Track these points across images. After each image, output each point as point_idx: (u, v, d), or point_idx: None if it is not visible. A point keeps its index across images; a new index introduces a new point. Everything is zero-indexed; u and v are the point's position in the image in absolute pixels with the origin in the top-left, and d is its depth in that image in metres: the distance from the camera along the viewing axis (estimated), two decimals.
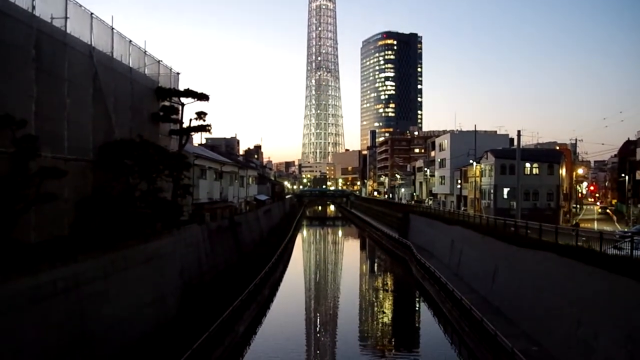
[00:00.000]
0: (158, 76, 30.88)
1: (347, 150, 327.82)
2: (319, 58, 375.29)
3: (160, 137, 30.48)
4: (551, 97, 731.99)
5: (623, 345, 15.84)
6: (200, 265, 32.19)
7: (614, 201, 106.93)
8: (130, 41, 26.82)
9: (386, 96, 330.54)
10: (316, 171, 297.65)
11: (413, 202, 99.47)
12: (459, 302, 28.96)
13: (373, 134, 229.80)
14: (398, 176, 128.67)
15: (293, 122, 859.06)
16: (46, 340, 14.76)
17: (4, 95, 16.39)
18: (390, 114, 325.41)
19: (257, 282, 32.83)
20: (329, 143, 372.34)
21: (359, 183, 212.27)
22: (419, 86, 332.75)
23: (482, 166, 64.03)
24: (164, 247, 25.73)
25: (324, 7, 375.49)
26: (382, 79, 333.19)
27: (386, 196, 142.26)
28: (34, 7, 17.89)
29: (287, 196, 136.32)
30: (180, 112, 31.97)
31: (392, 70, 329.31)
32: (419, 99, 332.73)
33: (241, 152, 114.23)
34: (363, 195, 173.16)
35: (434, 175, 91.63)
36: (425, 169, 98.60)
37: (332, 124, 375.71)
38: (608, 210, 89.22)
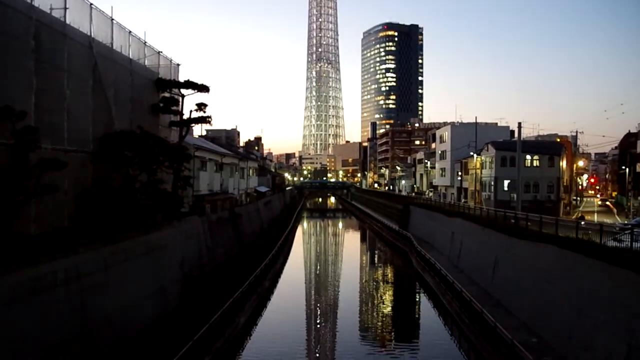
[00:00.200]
0: (158, 67, 30.77)
1: (347, 142, 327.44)
2: (320, 49, 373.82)
3: (161, 128, 30.43)
4: (552, 89, 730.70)
5: (622, 337, 15.87)
6: (201, 257, 32.24)
7: (614, 193, 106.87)
8: (130, 32, 26.69)
9: (387, 88, 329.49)
10: (317, 163, 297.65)
11: (413, 194, 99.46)
12: (459, 294, 29.02)
13: (374, 125, 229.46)
14: (398, 168, 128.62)
15: (293, 114, 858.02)
16: (46, 332, 14.80)
17: (4, 86, 16.33)
18: (390, 106, 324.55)
19: (257, 274, 32.90)
20: (329, 135, 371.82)
21: (359, 175, 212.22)
22: (420, 78, 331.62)
23: (483, 158, 63.95)
24: (164, 239, 25.74)
25: None
26: (383, 71, 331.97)
27: (386, 188, 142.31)
28: None
29: (288, 188, 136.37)
30: (180, 103, 31.89)
31: (392, 61, 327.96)
32: (420, 91, 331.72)
33: (241, 144, 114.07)
34: (363, 187, 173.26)
35: (434, 167, 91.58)
36: (426, 160, 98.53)
37: (333, 116, 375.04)
38: (608, 203, 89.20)
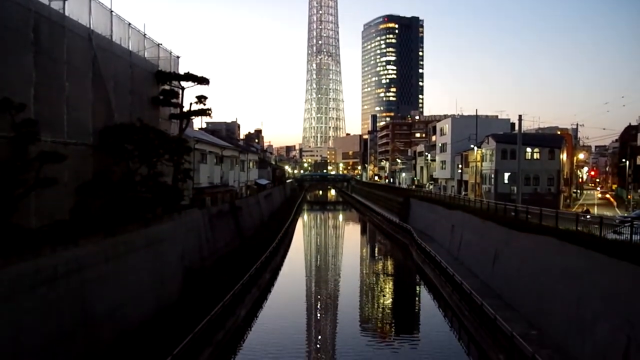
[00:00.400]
0: (158, 60, 30.64)
1: (348, 134, 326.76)
2: (320, 42, 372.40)
3: (161, 121, 30.36)
4: (553, 81, 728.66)
5: (622, 329, 15.92)
6: (201, 250, 32.29)
7: (614, 186, 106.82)
8: (130, 24, 26.55)
9: (387, 80, 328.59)
10: (317, 155, 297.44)
11: (414, 186, 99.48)
12: (459, 286, 29.07)
13: (374, 118, 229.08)
14: (399, 161, 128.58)
15: (294, 107, 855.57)
16: (47, 324, 14.84)
17: (3, 79, 16.26)
18: (391, 98, 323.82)
19: (258, 266, 32.97)
20: (329, 127, 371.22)
21: (359, 167, 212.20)
22: (420, 70, 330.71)
23: (483, 151, 63.89)
24: (165, 232, 25.76)
25: None
26: (383, 63, 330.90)
27: (387, 181, 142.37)
28: None
29: (288, 180, 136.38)
30: (180, 96, 31.81)
31: (393, 54, 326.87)
32: (420, 83, 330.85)
33: (242, 137, 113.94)
34: (364, 179, 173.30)
35: (434, 160, 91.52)
36: (426, 153, 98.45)
37: (333, 108, 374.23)
38: (608, 195, 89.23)
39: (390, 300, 36.09)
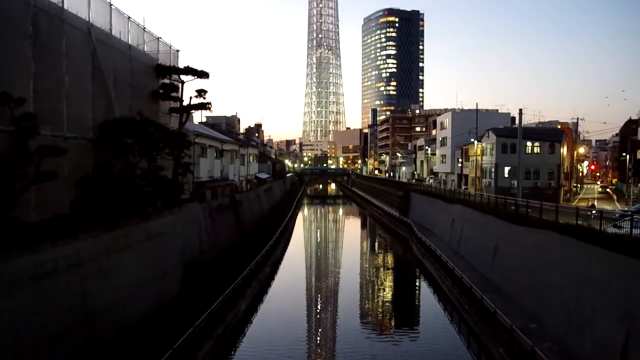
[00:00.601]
0: (157, 53, 30.53)
1: (348, 128, 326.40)
2: (320, 35, 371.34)
3: (161, 115, 30.29)
4: (553, 75, 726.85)
5: (621, 322, 15.96)
6: (202, 244, 32.31)
7: (614, 180, 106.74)
8: (129, 17, 26.42)
9: (387, 74, 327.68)
10: (317, 149, 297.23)
11: (414, 180, 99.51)
12: (459, 280, 29.11)
13: (374, 112, 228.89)
14: (399, 155, 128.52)
15: (294, 101, 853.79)
16: (47, 318, 14.86)
17: (2, 72, 16.19)
18: (391, 92, 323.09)
19: (258, 260, 33.01)
20: (329, 121, 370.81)
21: (360, 161, 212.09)
22: (421, 64, 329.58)
23: (484, 145, 63.83)
24: (165, 226, 25.76)
25: None
26: (384, 57, 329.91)
27: (387, 175, 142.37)
28: None
29: (288, 174, 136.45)
30: (180, 89, 31.75)
31: (393, 47, 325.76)
32: (421, 77, 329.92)
33: (242, 131, 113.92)
34: (364, 173, 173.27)
35: (435, 154, 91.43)
36: (427, 147, 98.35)
37: (333, 102, 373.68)
38: (608, 190, 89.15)
39: (390, 294, 36.15)
